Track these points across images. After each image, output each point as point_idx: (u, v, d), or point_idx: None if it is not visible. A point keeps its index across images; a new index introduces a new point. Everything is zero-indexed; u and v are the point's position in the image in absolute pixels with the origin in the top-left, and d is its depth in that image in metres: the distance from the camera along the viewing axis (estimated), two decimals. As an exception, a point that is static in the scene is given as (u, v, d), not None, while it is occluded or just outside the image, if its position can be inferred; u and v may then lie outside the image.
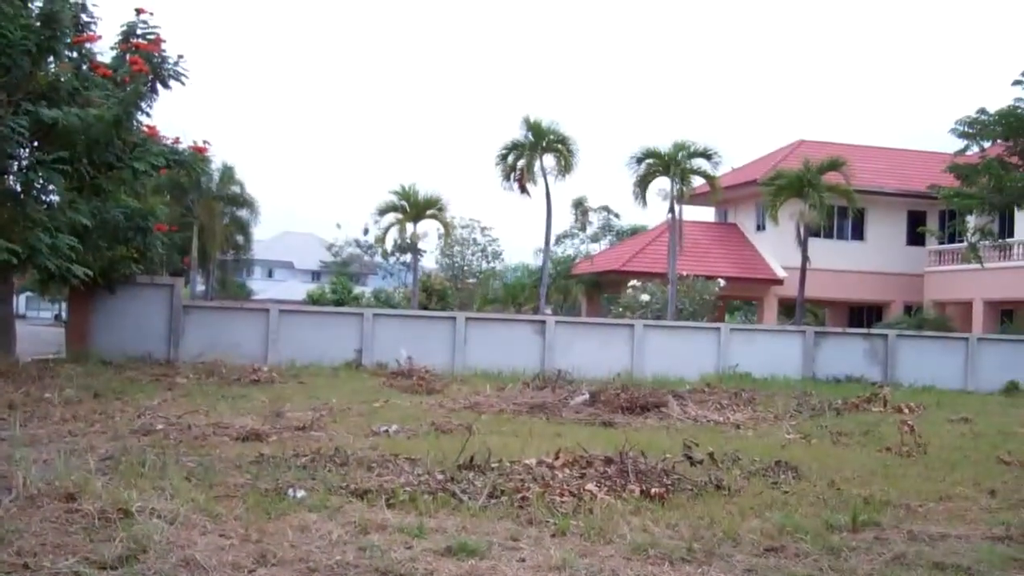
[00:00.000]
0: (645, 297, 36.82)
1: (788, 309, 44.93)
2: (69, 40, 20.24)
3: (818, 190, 37.40)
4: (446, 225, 45.97)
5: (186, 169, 24.22)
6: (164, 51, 22.32)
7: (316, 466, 10.51)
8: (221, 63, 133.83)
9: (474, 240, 59.91)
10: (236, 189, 53.20)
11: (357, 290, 61.69)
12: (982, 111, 35.64)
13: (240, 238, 57.42)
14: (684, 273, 37.71)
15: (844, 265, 44.33)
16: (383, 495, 9.15)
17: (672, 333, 30.20)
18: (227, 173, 51.24)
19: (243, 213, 55.41)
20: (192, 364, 23.94)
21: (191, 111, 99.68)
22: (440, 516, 8.64)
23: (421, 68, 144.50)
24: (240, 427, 13.51)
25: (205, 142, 24.10)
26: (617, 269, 42.81)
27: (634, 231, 58.74)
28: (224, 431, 13.22)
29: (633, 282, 38.46)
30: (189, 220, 44.85)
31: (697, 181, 39.09)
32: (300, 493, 9.12)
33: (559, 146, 38.27)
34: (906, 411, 20.42)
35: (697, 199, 43.50)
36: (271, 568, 6.93)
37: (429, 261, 60.47)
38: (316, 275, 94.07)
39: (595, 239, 62.63)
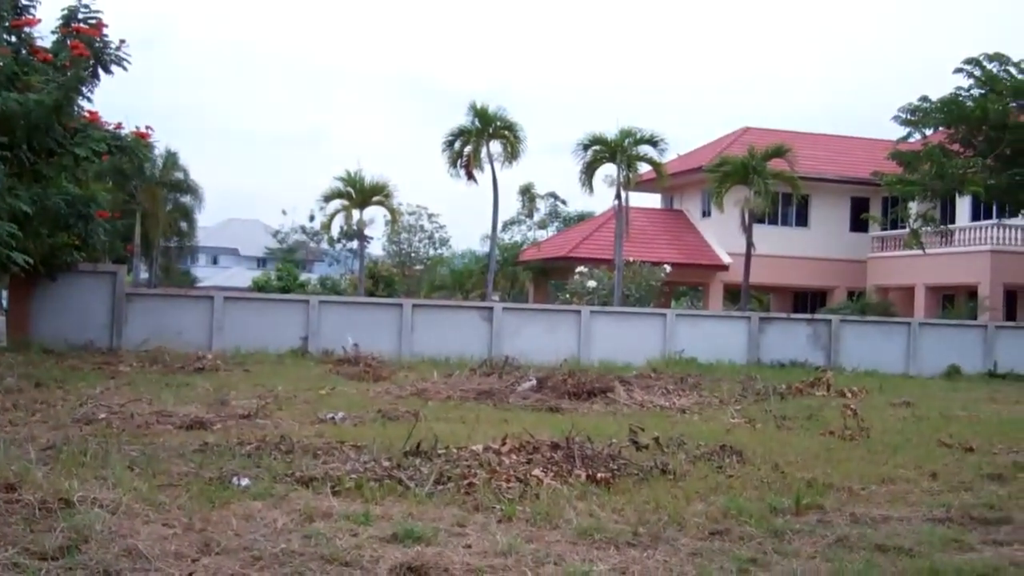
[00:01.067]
0: (592, 283, 36.94)
1: (733, 295, 45.28)
2: (8, 24, 19.86)
3: (763, 177, 37.66)
4: (392, 212, 45.77)
5: (128, 155, 23.85)
6: (106, 36, 21.91)
7: (261, 454, 10.43)
8: (162, 46, 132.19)
9: (421, 227, 59.75)
10: (180, 175, 52.67)
11: (303, 277, 61.31)
12: (924, 99, 36.09)
13: (184, 225, 56.88)
14: (630, 259, 37.87)
15: (788, 251, 44.71)
16: (329, 483, 9.11)
17: (619, 319, 30.33)
18: (170, 159, 50.72)
19: (187, 199, 54.88)
20: (135, 352, 23.69)
21: (134, 96, 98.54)
22: (386, 503, 8.62)
23: (367, 52, 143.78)
24: (184, 415, 13.39)
25: (148, 128, 23.73)
26: (564, 255, 42.91)
27: (581, 217, 58.87)
28: (168, 419, 13.09)
29: (580, 268, 38.58)
30: (132, 207, 44.33)
31: (643, 168, 39.21)
32: (244, 481, 9.05)
33: (506, 132, 38.21)
34: (849, 395, 20.67)
35: (643, 185, 43.68)
36: (215, 557, 6.87)
37: (376, 248, 60.29)
38: (262, 262, 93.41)
39: (542, 226, 62.72)
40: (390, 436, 11.64)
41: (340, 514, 8.08)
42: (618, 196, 37.41)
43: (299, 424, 13.29)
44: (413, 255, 59.83)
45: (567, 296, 38.26)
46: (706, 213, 45.68)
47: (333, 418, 13.97)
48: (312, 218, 65.16)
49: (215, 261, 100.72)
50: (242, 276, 79.21)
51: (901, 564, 7.60)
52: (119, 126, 23.13)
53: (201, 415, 13.49)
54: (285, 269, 59.01)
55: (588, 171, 37.87)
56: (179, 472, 9.47)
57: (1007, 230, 39.98)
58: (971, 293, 40.70)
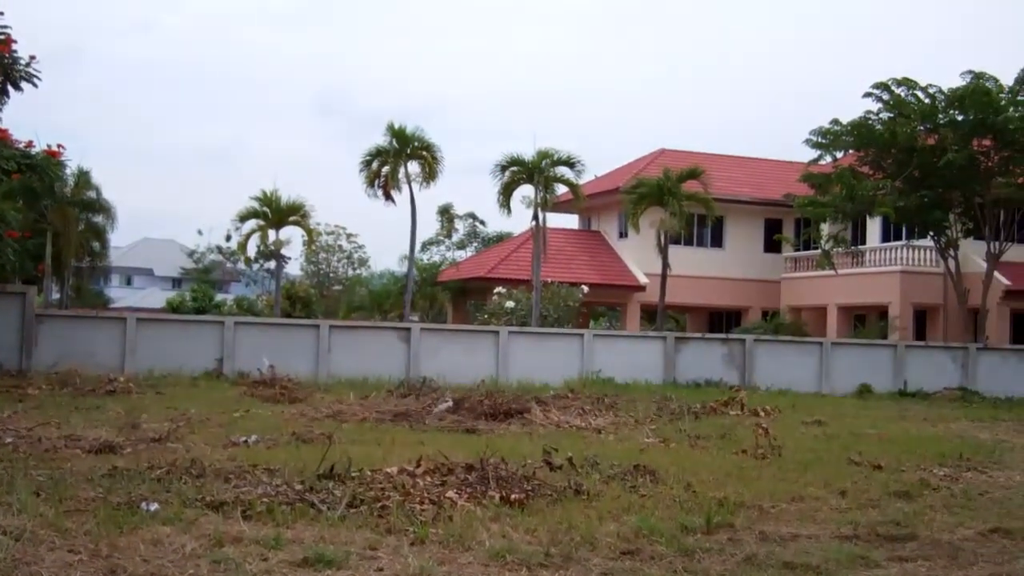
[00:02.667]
0: (510, 304, 37.02)
1: (650, 315, 45.66)
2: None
3: (678, 198, 38.06)
4: (309, 231, 45.32)
5: (39, 174, 23.48)
6: (15, 52, 21.60)
7: (171, 478, 10.30)
8: (73, 61, 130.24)
9: (340, 247, 59.35)
10: (92, 194, 51.65)
11: (219, 298, 60.48)
12: (835, 122, 36.86)
13: (96, 245, 55.81)
14: (548, 280, 38.00)
15: (704, 272, 45.22)
16: (239, 507, 9.04)
17: (536, 339, 30.41)
18: (83, 177, 49.79)
19: (99, 219, 53.86)
20: (45, 374, 23.23)
21: (45, 113, 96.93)
22: (298, 527, 8.57)
23: (284, 68, 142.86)
24: (93, 439, 13.19)
25: (59, 146, 23.42)
26: (482, 276, 42.95)
27: (500, 238, 58.95)
28: (76, 444, 12.89)
29: (498, 289, 38.62)
30: (43, 226, 43.42)
31: (561, 189, 39.38)
32: (153, 506, 8.93)
33: (424, 153, 38.14)
34: (762, 414, 20.93)
35: (561, 207, 43.89)
36: (121, 584, 6.79)
37: (294, 268, 59.76)
38: (177, 282, 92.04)
39: (461, 246, 62.64)
40: (304, 459, 11.57)
41: (250, 538, 8.02)
42: (536, 217, 37.54)
43: (211, 448, 13.14)
44: (331, 275, 59.39)
45: (486, 317, 38.26)
46: (623, 234, 46.02)
47: (246, 441, 13.84)
48: (229, 238, 64.33)
49: (129, 281, 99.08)
50: (157, 297, 78.00)
51: (808, 581, 7.74)
52: (30, 144, 22.79)
53: (111, 439, 13.30)
54: (200, 290, 58.21)
55: (506, 192, 37.95)
56: (87, 497, 9.32)
57: (916, 251, 40.88)
58: (882, 313, 41.52)
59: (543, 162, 37.16)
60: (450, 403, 19.32)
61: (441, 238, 61.57)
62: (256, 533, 8.19)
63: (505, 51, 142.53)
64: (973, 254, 38.59)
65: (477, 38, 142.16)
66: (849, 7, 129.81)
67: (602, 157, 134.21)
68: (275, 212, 42.02)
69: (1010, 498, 11.92)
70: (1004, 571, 8.33)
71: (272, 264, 47.40)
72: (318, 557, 7.49)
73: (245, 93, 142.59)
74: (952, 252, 37.24)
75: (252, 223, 42.73)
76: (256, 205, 42.22)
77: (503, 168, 37.65)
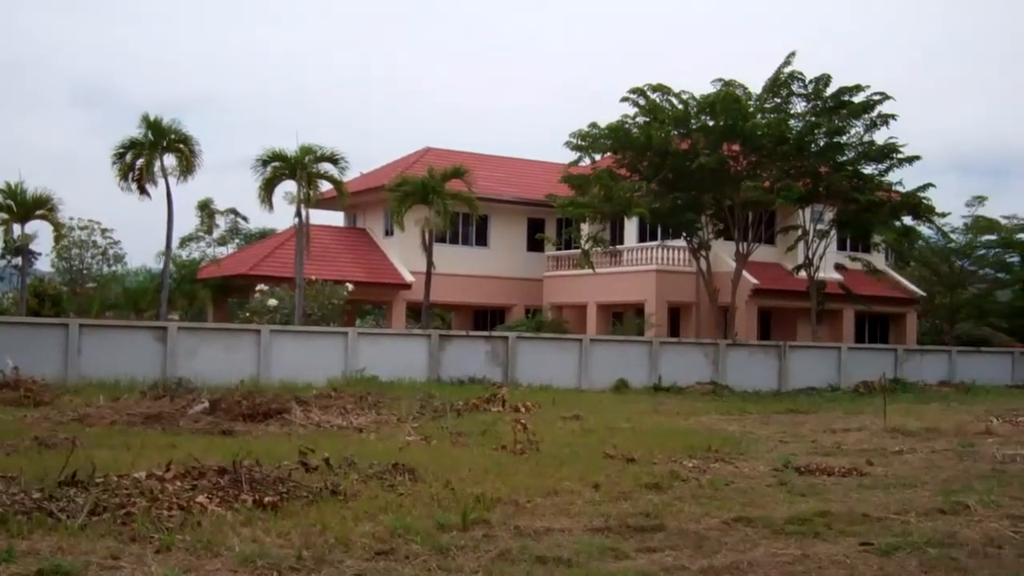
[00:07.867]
0: (273, 302, 36.31)
1: (416, 313, 45.71)
2: None
3: (442, 197, 38.19)
4: (58, 226, 43.17)
5: None
6: None
7: None
8: None
9: (94, 242, 56.90)
10: None
11: (-40, 295, 57.11)
12: (593, 125, 37.74)
13: None
14: (313, 277, 37.50)
15: (469, 270, 45.64)
16: (-30, 518, 8.50)
17: (299, 338, 29.92)
18: None
19: None
20: None
21: None
22: (34, 538, 8.13)
23: (37, 55, 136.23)
24: None
25: None
26: (244, 273, 42.02)
27: (263, 235, 57.89)
28: None
29: (261, 286, 37.84)
30: None
31: (325, 186, 38.94)
32: None
33: (181, 146, 36.88)
34: (523, 410, 21.24)
35: (326, 204, 43.38)
36: None
37: (46, 265, 56.94)
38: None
39: (223, 242, 61.02)
40: (45, 465, 10.99)
41: (-21, 552, 7.54)
42: (299, 214, 36.94)
43: (-58, 457, 12.35)
44: (85, 272, 56.88)
45: (247, 315, 37.41)
46: (389, 232, 45.88)
47: (-18, 448, 13.07)
48: (-28, 233, 60.81)
49: None
50: None
51: (559, 574, 7.85)
52: None
53: None
54: (-61, 288, 54.86)
55: (267, 187, 37.12)
56: None
57: (670, 251, 42.41)
58: (639, 310, 42.84)
59: (306, 158, 36.60)
60: (206, 404, 18.81)
61: (201, 234, 59.81)
62: (-14, 546, 7.71)
63: (273, 46, 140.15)
64: (723, 254, 40.32)
65: (245, 30, 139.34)
66: (617, 8, 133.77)
67: (369, 155, 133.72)
68: (20, 205, 39.89)
69: (754, 488, 12.44)
70: (745, 558, 8.64)
71: (19, 260, 45.07)
72: (54, 569, 7.12)
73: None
74: (704, 252, 38.80)
75: (-5, 217, 40.43)
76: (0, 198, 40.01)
77: (265, 163, 36.85)
